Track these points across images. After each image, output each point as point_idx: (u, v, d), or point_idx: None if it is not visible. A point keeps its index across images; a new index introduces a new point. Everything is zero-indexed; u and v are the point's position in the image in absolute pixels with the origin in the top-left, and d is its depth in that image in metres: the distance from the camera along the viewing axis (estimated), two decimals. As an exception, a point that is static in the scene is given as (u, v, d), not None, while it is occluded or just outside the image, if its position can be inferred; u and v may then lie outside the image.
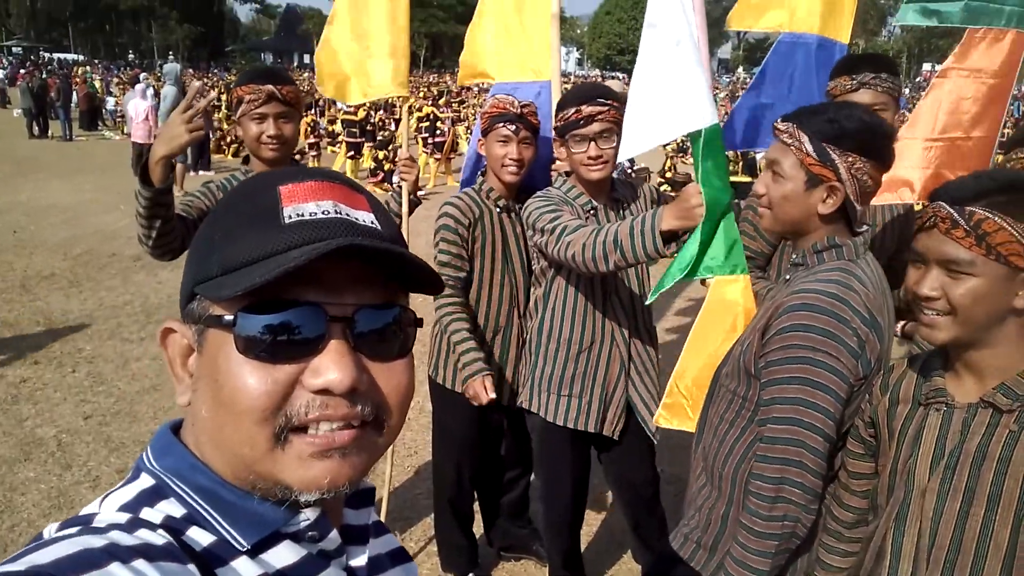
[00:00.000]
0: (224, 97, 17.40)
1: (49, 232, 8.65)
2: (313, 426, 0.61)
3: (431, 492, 3.12)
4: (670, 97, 1.90)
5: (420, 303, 0.95)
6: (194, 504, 0.63)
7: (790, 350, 1.51)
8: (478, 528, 3.13)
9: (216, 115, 14.37)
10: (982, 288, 1.26)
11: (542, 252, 2.36)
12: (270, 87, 2.21)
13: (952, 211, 1.27)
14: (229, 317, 0.61)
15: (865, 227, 1.66)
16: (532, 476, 3.16)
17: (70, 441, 4.04)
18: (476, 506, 3.09)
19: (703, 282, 2.42)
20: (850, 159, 1.53)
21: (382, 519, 3.15)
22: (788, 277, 1.68)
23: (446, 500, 2.94)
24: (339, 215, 0.64)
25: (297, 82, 2.44)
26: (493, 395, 2.55)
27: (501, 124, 2.54)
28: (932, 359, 1.44)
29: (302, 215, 0.63)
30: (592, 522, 3.37)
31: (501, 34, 2.98)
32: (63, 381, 4.78)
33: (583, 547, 2.89)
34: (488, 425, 2.85)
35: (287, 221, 0.62)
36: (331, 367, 0.60)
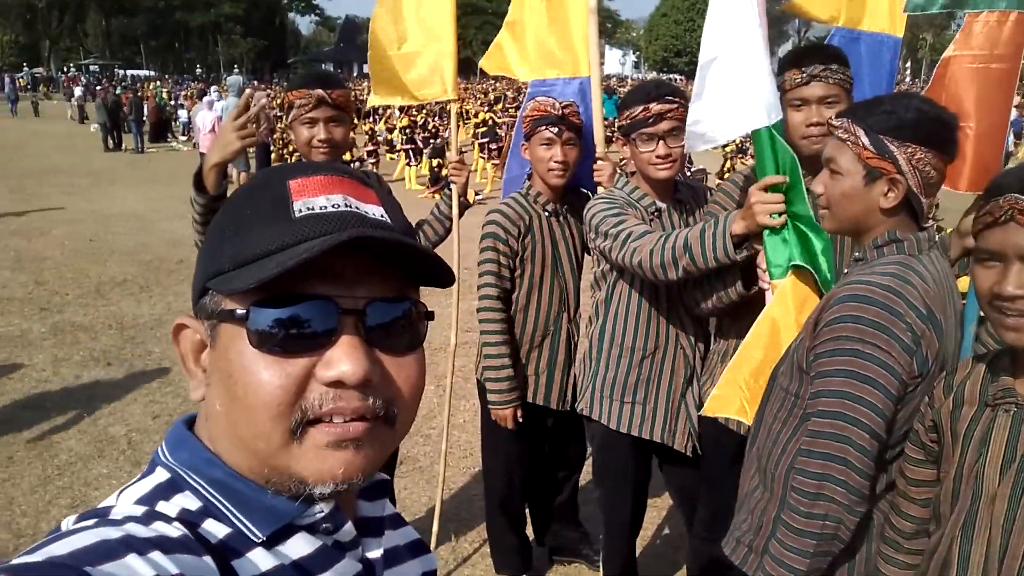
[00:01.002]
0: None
1: (122, 240, 9.01)
2: (326, 418, 0.61)
3: (486, 494, 3.14)
4: (740, 91, 1.85)
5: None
6: (209, 497, 0.63)
7: (838, 342, 1.46)
8: (530, 530, 3.12)
9: (279, 124, 14.73)
10: None
11: (605, 256, 2.29)
12: (320, 92, 2.23)
13: None
14: (242, 311, 0.61)
15: (931, 222, 1.59)
16: (579, 478, 3.15)
17: (140, 439, 4.20)
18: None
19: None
20: (910, 150, 1.47)
21: (435, 520, 3.21)
22: (847, 271, 1.63)
23: (497, 502, 2.95)
24: (349, 208, 0.64)
25: (357, 90, 2.45)
26: (520, 421, 2.70)
27: (544, 127, 2.52)
28: (998, 358, 1.37)
29: (312, 208, 0.63)
30: (647, 525, 3.33)
31: (536, 31, 2.93)
32: (133, 382, 4.98)
33: (637, 552, 2.85)
34: (536, 427, 2.85)
35: (297, 215, 0.62)
36: (343, 359, 0.60)
